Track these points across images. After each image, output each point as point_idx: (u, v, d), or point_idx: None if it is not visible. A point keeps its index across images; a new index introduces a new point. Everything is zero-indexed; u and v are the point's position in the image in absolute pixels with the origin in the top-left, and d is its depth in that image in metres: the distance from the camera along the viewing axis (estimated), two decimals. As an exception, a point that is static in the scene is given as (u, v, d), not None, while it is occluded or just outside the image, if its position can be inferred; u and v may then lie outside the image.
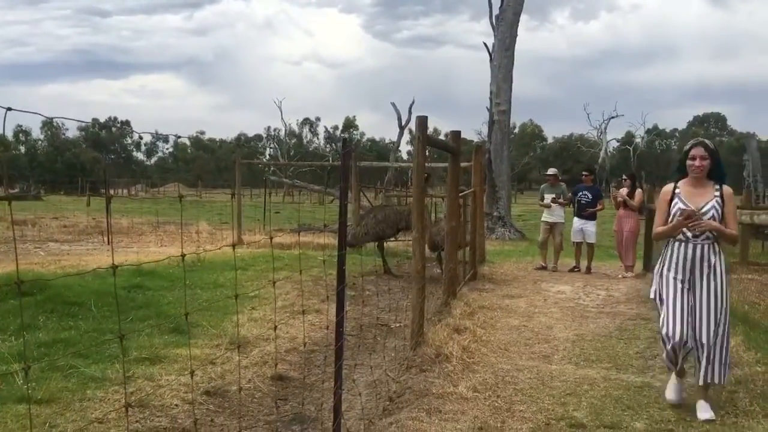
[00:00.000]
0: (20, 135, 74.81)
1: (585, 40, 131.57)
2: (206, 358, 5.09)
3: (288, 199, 47.24)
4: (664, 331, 4.21)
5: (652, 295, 4.45)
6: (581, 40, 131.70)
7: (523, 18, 25.01)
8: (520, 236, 19.83)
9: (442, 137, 35.18)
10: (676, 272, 4.25)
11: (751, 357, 5.36)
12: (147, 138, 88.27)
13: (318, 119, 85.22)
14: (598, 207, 11.48)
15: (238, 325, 5.93)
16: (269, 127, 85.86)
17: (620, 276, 10.81)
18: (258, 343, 5.62)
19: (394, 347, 5.79)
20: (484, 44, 20.89)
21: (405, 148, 68.94)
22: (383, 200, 18.94)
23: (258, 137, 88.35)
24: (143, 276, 7.68)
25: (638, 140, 76.23)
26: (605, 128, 70.03)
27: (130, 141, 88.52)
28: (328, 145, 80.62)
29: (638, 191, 11.10)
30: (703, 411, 4.13)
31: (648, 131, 78.24)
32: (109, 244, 13.62)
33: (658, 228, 4.44)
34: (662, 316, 4.26)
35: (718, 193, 4.28)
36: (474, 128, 63.85)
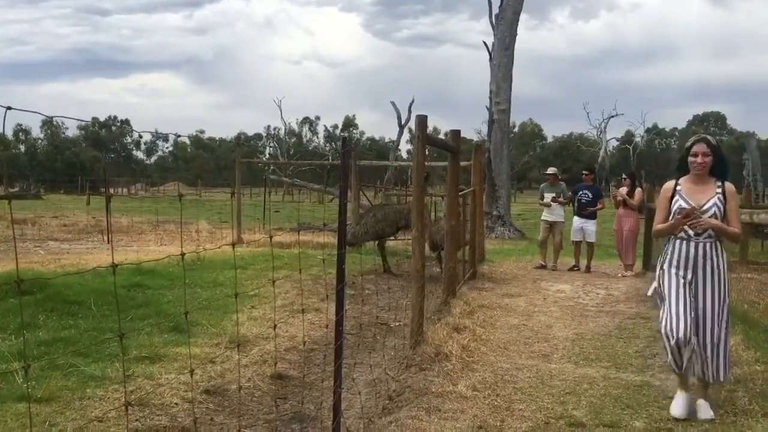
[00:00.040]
0: (20, 134, 74.83)
1: (585, 39, 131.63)
2: (206, 357, 5.10)
3: (288, 198, 47.25)
4: (665, 328, 4.11)
5: (650, 293, 4.41)
6: (581, 39, 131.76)
7: (523, 17, 25.03)
8: (520, 235, 19.83)
9: (441, 136, 35.19)
10: (677, 269, 4.18)
11: (751, 356, 5.36)
12: (147, 137, 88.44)
13: (318, 118, 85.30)
14: (599, 206, 11.49)
15: (237, 324, 5.93)
16: (269, 126, 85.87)
17: (620, 275, 10.81)
18: (258, 342, 5.63)
19: (393, 346, 5.80)
20: (484, 43, 20.92)
21: (405, 147, 69.01)
22: (383, 199, 18.94)
23: (258, 136, 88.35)
24: (143, 275, 7.69)
25: (638, 139, 76.27)
26: (605, 127, 70.13)
27: (129, 140, 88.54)
28: (327, 144, 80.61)
29: (638, 190, 11.11)
30: (703, 410, 4.10)
31: (648, 130, 78.31)
32: (109, 243, 13.62)
33: (658, 225, 4.38)
34: (663, 312, 4.19)
35: (720, 190, 4.21)
36: (474, 127, 64.02)
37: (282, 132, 78.98)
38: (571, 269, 11.40)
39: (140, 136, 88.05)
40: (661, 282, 4.26)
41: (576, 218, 11.52)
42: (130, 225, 17.68)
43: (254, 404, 4.47)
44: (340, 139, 5.96)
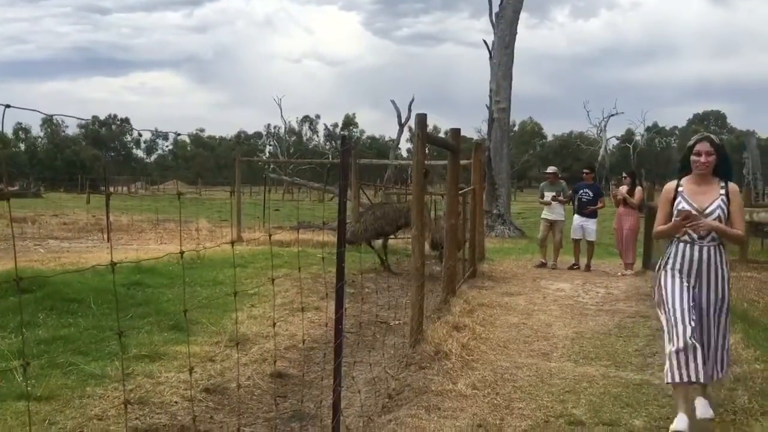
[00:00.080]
0: (20, 132, 74.80)
1: (585, 38, 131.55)
2: (205, 356, 5.10)
3: (288, 196, 47.25)
4: (667, 334, 3.91)
5: (656, 298, 4.19)
6: (581, 38, 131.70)
7: (523, 16, 25.02)
8: (520, 234, 19.83)
9: (441, 135, 35.18)
10: (680, 273, 4.00)
11: (750, 354, 5.36)
12: (147, 135, 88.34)
13: (318, 117, 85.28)
14: (599, 205, 11.49)
15: (237, 323, 5.93)
16: (269, 125, 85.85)
17: (620, 274, 10.81)
18: (257, 341, 5.63)
19: (393, 344, 5.80)
20: (484, 42, 20.91)
21: (405, 146, 68.95)
22: (383, 198, 18.94)
23: (258, 135, 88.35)
24: (143, 273, 7.69)
25: (638, 138, 76.24)
26: (605, 126, 70.13)
27: (129, 138, 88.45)
28: (327, 143, 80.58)
29: (638, 189, 11.11)
30: (702, 409, 3.98)
31: (648, 129, 78.29)
32: (108, 241, 13.62)
33: (658, 227, 4.21)
34: (664, 318, 4.00)
35: (723, 191, 4.04)
36: (474, 126, 63.99)
37: (282, 130, 79.04)
38: (571, 268, 11.40)
39: (140, 135, 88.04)
40: (662, 284, 4.07)
41: (576, 216, 11.53)
42: (130, 223, 17.68)
43: (254, 403, 4.47)
44: (340, 138, 5.96)
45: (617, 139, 75.66)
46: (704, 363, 3.85)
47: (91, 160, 67.02)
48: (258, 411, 4.35)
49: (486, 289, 8.78)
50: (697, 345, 3.80)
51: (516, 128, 72.16)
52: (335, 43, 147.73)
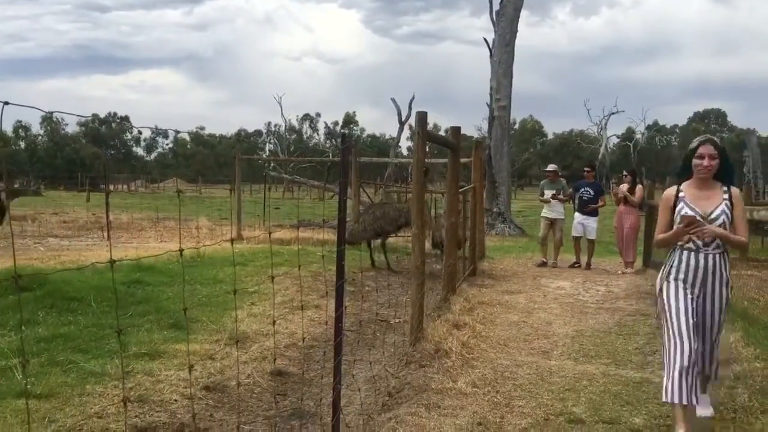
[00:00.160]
0: (20, 130, 74.75)
1: (586, 36, 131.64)
2: (205, 354, 5.10)
3: (288, 194, 47.24)
4: (669, 353, 3.75)
5: (658, 308, 4.09)
6: (582, 36, 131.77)
7: (524, 14, 25.00)
8: (520, 232, 19.83)
9: (442, 133, 35.15)
10: (684, 282, 3.85)
11: (750, 353, 5.36)
12: (147, 133, 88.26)
13: (318, 115, 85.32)
14: (600, 203, 11.48)
15: (237, 321, 5.93)
16: (269, 123, 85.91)
17: (620, 272, 10.82)
18: (257, 339, 5.63)
19: (393, 343, 5.80)
20: (485, 40, 20.89)
21: (405, 144, 68.89)
22: (383, 196, 18.93)
23: (258, 133, 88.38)
24: (143, 271, 7.68)
25: (638, 136, 76.21)
26: (605, 124, 70.08)
27: (129, 136, 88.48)
28: (328, 141, 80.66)
29: (639, 187, 11.11)
30: (703, 407, 3.98)
31: (648, 127, 78.28)
32: (108, 239, 13.62)
33: (659, 235, 4.03)
34: (666, 332, 3.82)
35: (726, 196, 3.87)
36: (474, 124, 63.98)
37: (282, 129, 79.06)
38: (571, 266, 11.40)
39: (140, 133, 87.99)
40: (665, 296, 3.89)
41: (577, 215, 11.53)
42: (130, 222, 17.68)
43: (254, 401, 4.47)
44: (340, 136, 5.96)
45: (618, 137, 75.69)
46: (700, 384, 3.77)
47: (91, 158, 66.99)
48: (258, 409, 4.34)
49: (486, 288, 8.77)
50: (697, 368, 3.71)
51: (516, 126, 72.18)
52: (335, 41, 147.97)
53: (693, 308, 3.78)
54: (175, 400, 4.15)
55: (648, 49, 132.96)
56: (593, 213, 11.45)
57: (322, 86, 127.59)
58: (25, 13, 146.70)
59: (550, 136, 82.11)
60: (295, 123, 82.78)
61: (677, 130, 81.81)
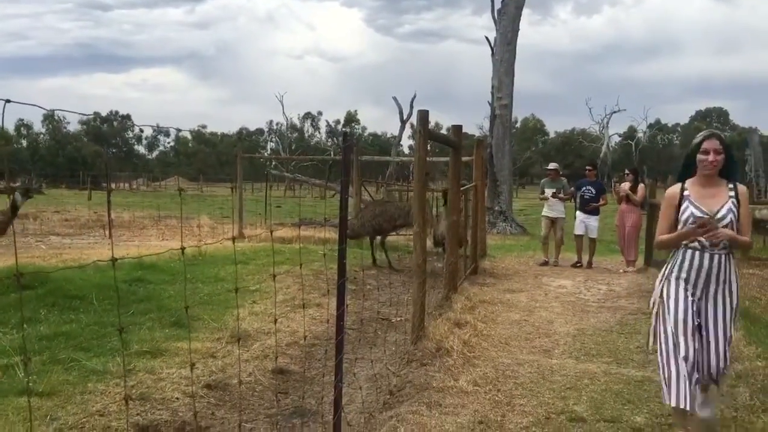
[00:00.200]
0: (22, 129, 74.78)
1: (587, 35, 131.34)
2: (207, 352, 5.10)
3: (289, 193, 47.27)
4: (664, 359, 3.65)
5: (651, 306, 3.89)
6: (584, 35, 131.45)
7: (526, 12, 24.96)
8: (522, 231, 19.83)
9: (443, 132, 35.14)
10: (687, 282, 3.67)
11: (752, 352, 5.36)
12: (148, 132, 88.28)
13: (320, 113, 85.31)
14: (601, 202, 11.47)
15: (238, 319, 5.93)
16: (271, 121, 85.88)
17: (621, 271, 10.81)
18: (259, 337, 5.63)
19: (394, 341, 5.80)
20: (486, 38, 20.88)
21: (407, 143, 68.85)
22: (384, 195, 18.93)
23: (259, 131, 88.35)
24: (144, 269, 7.69)
25: (640, 135, 76.12)
26: (607, 123, 69.98)
27: (131, 135, 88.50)
28: (329, 140, 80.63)
29: (641, 186, 11.10)
30: (703, 408, 3.85)
31: (650, 126, 78.15)
32: (110, 237, 13.63)
33: (662, 236, 3.81)
34: (663, 334, 3.70)
35: (732, 194, 3.69)
36: (476, 123, 63.86)
37: (284, 127, 79.02)
38: (573, 265, 11.38)
39: (141, 131, 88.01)
40: (665, 296, 3.74)
41: (579, 213, 11.52)
42: (132, 220, 17.70)
43: (255, 399, 4.47)
44: (342, 135, 5.97)
45: (619, 136, 75.57)
46: (698, 390, 3.66)
47: (93, 157, 66.95)
48: (259, 407, 4.35)
49: (487, 286, 8.77)
50: (697, 374, 3.61)
51: (518, 125, 72.12)
52: (337, 39, 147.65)
53: (693, 310, 3.64)
54: (177, 398, 4.16)
55: (650, 48, 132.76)
56: (595, 212, 11.44)
57: (323, 84, 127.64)
58: (27, 11, 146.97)
59: (552, 135, 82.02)
60: (297, 121, 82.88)
61: (679, 129, 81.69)
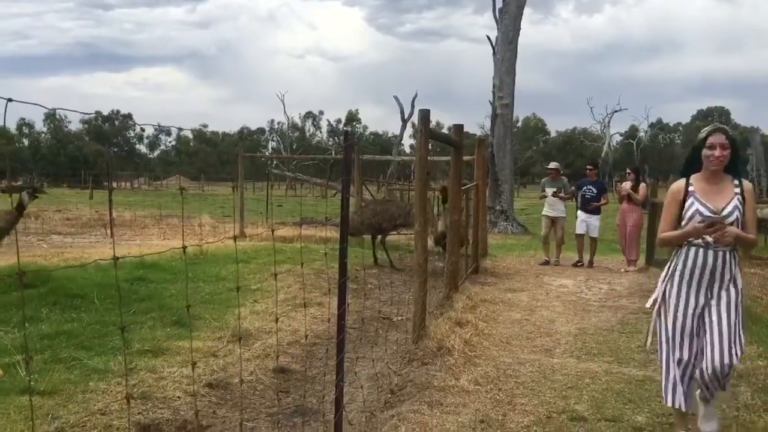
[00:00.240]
0: (23, 128, 74.85)
1: (589, 34, 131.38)
2: (208, 351, 5.11)
3: (290, 192, 47.27)
4: (666, 353, 3.64)
5: (649, 304, 3.84)
6: (585, 34, 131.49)
7: (527, 11, 24.94)
8: (523, 230, 19.83)
9: (444, 131, 35.12)
10: (690, 281, 3.58)
11: (753, 351, 5.35)
12: (149, 131, 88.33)
13: (321, 112, 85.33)
14: (602, 201, 11.46)
15: (240, 318, 5.94)
16: (272, 121, 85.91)
17: (623, 270, 10.81)
18: (260, 336, 5.63)
19: (395, 340, 5.80)
20: (488, 37, 20.89)
21: (408, 142, 68.80)
22: (386, 194, 18.93)
23: (261, 130, 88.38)
24: (146, 268, 7.70)
25: (642, 134, 76.05)
26: (609, 122, 69.92)
27: (132, 134, 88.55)
28: (330, 139, 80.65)
29: (642, 185, 11.09)
30: (707, 420, 3.67)
31: (651, 125, 78.10)
32: (111, 236, 13.64)
33: (665, 233, 3.69)
34: (664, 335, 3.66)
35: (738, 190, 3.59)
36: (477, 122, 63.73)
37: (285, 126, 79.06)
38: (574, 264, 11.38)
39: (143, 130, 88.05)
40: (666, 295, 3.67)
41: (580, 213, 11.52)
42: (133, 219, 17.71)
43: (256, 398, 4.47)
44: (343, 134, 5.97)
45: (621, 135, 75.54)
46: (697, 390, 3.64)
47: (94, 156, 66.96)
48: (260, 406, 4.35)
49: (489, 285, 8.77)
50: (695, 376, 3.58)
51: (519, 124, 72.06)
52: (338, 38, 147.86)
53: (695, 312, 3.57)
54: (178, 397, 4.16)
55: (651, 47, 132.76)
56: (596, 211, 11.43)
57: (325, 84, 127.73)
58: (28, 10, 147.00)
59: (553, 134, 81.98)
60: (298, 121, 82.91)
61: (680, 128, 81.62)
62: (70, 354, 4.69)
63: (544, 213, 11.92)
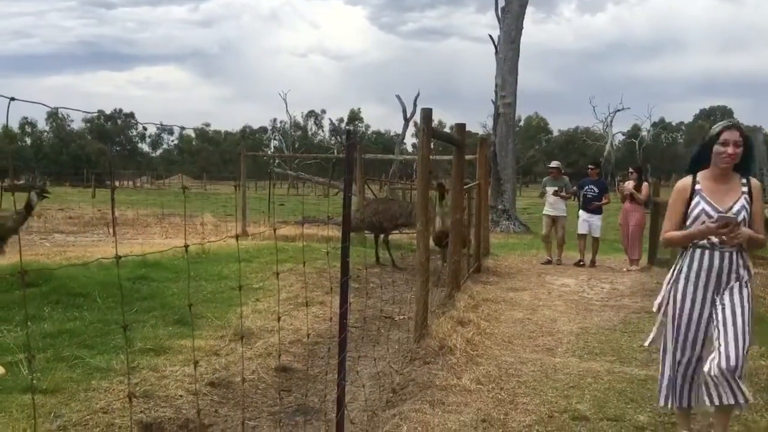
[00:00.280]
0: (26, 127, 74.96)
1: (591, 33, 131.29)
2: (210, 350, 5.11)
3: (292, 191, 47.29)
4: (669, 357, 3.58)
5: (656, 308, 3.72)
6: (588, 33, 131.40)
7: (530, 10, 24.93)
8: (525, 229, 19.82)
9: (447, 130, 35.08)
10: (696, 284, 3.46)
11: (756, 351, 5.33)
12: (152, 130, 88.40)
13: (323, 111, 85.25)
14: (604, 201, 11.45)
15: (242, 317, 5.94)
16: (274, 120, 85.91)
17: (625, 269, 10.80)
18: (262, 335, 5.64)
19: (397, 339, 5.80)
20: (490, 37, 20.87)
21: (410, 141, 68.78)
22: (388, 193, 18.93)
23: (263, 129, 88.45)
24: (148, 267, 7.70)
25: (644, 133, 75.93)
26: (611, 121, 69.76)
27: (135, 133, 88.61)
28: (332, 138, 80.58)
29: (645, 184, 11.07)
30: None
31: (654, 124, 77.96)
32: (114, 235, 13.66)
33: (670, 233, 3.54)
34: (670, 336, 3.57)
35: (746, 189, 3.43)
36: (479, 121, 63.69)
37: (287, 125, 79.06)
38: (576, 264, 11.36)
39: (145, 129, 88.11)
40: (671, 300, 3.56)
41: (582, 212, 11.50)
42: (136, 218, 17.75)
43: (258, 396, 4.48)
44: (345, 133, 5.97)
45: (623, 134, 75.35)
46: (698, 387, 3.53)
47: (97, 155, 67.09)
48: (262, 405, 4.35)
49: (491, 285, 8.77)
50: (696, 377, 3.51)
51: (521, 123, 71.93)
52: (341, 37, 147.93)
53: (701, 316, 3.46)
54: (180, 396, 4.16)
55: (654, 46, 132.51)
56: (597, 211, 11.41)
57: (327, 83, 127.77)
58: (30, 9, 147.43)
59: (556, 134, 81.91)
60: (300, 119, 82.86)
61: (683, 128, 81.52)
62: (73, 352, 4.69)
63: (544, 212, 11.92)
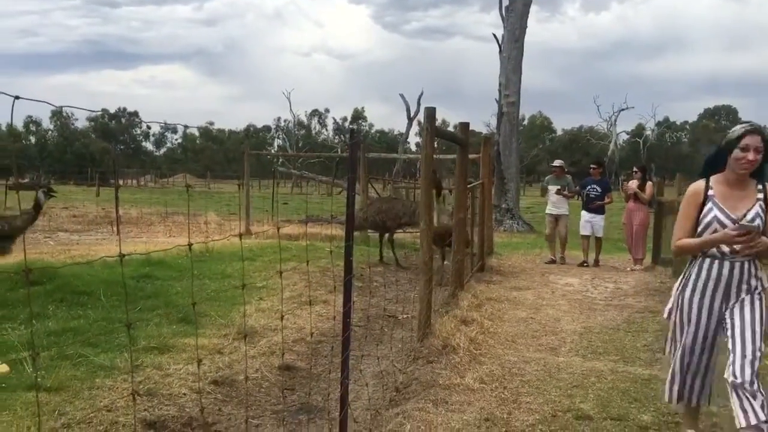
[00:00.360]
0: (30, 125, 75.15)
1: (596, 32, 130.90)
2: (214, 348, 5.12)
3: (296, 190, 47.32)
4: (677, 360, 3.49)
5: (666, 315, 3.59)
6: (592, 32, 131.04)
7: (533, 9, 24.90)
8: (529, 228, 19.81)
9: (450, 129, 35.04)
10: (704, 294, 3.33)
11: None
12: (156, 128, 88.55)
13: (327, 110, 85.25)
14: (606, 200, 11.43)
15: (245, 315, 5.94)
16: (278, 118, 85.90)
17: (629, 269, 10.78)
18: (265, 333, 5.64)
19: (401, 338, 5.80)
20: (494, 36, 20.84)
21: (414, 140, 68.73)
22: (391, 192, 18.93)
23: (267, 128, 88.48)
24: (152, 266, 7.71)
25: (648, 133, 75.73)
26: (615, 120, 69.63)
27: (139, 131, 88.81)
28: (336, 137, 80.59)
29: (649, 184, 11.06)
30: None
31: (658, 123, 77.69)
32: (118, 234, 13.69)
33: (683, 241, 3.36)
34: (679, 341, 3.48)
35: (761, 195, 3.26)
36: (483, 120, 63.62)
37: (291, 124, 79.09)
38: (580, 264, 11.34)
39: (149, 128, 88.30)
40: (679, 306, 3.44)
41: (584, 212, 11.48)
42: (140, 216, 17.77)
43: (262, 395, 4.48)
44: (349, 132, 5.97)
45: (627, 133, 75.18)
46: (702, 386, 3.49)
47: (101, 153, 67.21)
48: (266, 403, 4.36)
49: (494, 284, 8.76)
50: (701, 374, 3.47)
51: (525, 122, 71.91)
52: (345, 36, 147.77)
53: (709, 324, 3.36)
54: (184, 394, 4.17)
55: (658, 45, 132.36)
56: (600, 210, 11.40)
57: (331, 82, 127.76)
58: (36, 8, 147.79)
59: (559, 133, 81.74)
60: (304, 118, 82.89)
61: (687, 127, 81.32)
62: (77, 351, 4.70)
63: (547, 211, 11.92)
